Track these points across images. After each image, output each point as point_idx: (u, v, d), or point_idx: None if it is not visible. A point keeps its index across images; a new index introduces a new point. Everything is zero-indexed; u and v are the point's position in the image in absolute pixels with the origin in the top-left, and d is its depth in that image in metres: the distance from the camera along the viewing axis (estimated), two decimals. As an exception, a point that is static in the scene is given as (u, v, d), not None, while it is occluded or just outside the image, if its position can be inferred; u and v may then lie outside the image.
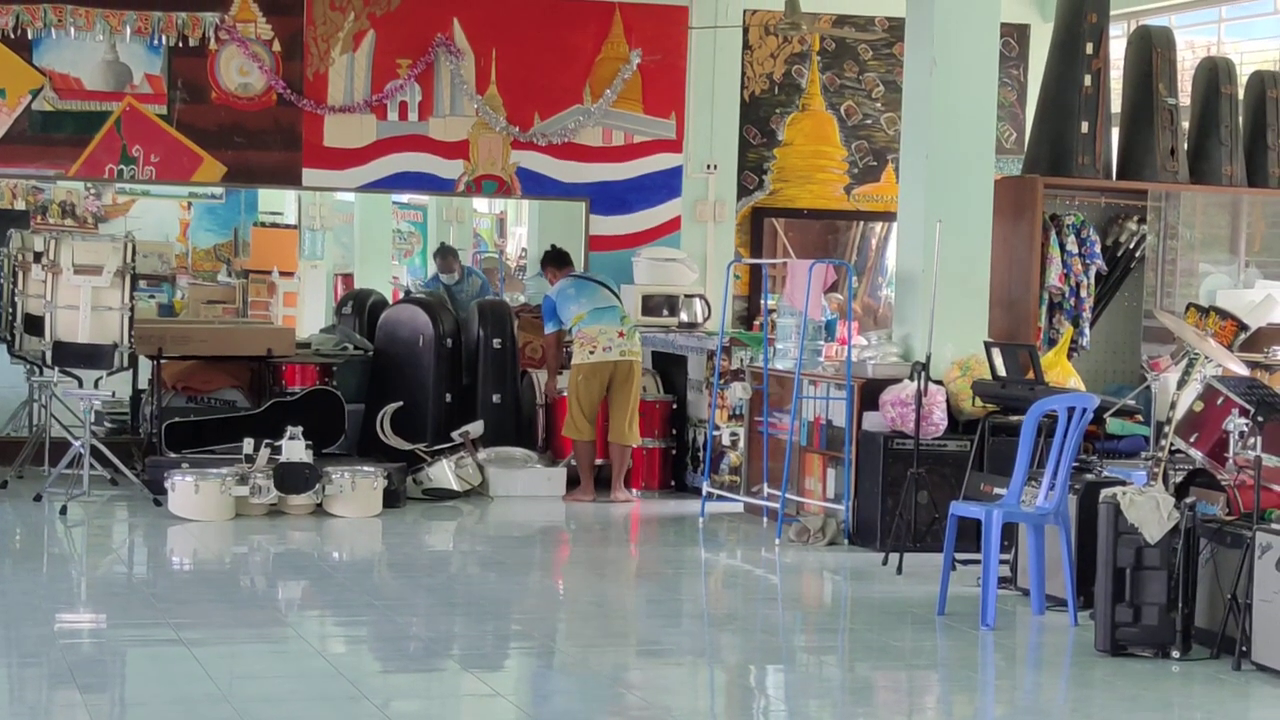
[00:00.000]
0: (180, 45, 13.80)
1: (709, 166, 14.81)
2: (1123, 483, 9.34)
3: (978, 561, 9.81)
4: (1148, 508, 8.18)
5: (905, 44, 11.83)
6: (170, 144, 13.85)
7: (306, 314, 22.75)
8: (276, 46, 13.99)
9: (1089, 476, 9.40)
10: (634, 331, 12.93)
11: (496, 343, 13.75)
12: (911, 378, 11.06)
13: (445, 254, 17.47)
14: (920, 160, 11.47)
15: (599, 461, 13.17)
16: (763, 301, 12.76)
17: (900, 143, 11.99)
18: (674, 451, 13.57)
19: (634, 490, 13.28)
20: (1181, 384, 9.03)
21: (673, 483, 13.54)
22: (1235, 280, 12.43)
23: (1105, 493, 8.35)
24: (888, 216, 15.47)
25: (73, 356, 12.00)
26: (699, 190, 14.80)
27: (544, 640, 8.77)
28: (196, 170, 13.95)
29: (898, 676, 8.27)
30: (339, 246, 23.62)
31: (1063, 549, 9.00)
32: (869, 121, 15.22)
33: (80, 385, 12.40)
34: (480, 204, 21.27)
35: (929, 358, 10.59)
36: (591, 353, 12.75)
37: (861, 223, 15.71)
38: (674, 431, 13.55)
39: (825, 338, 12.55)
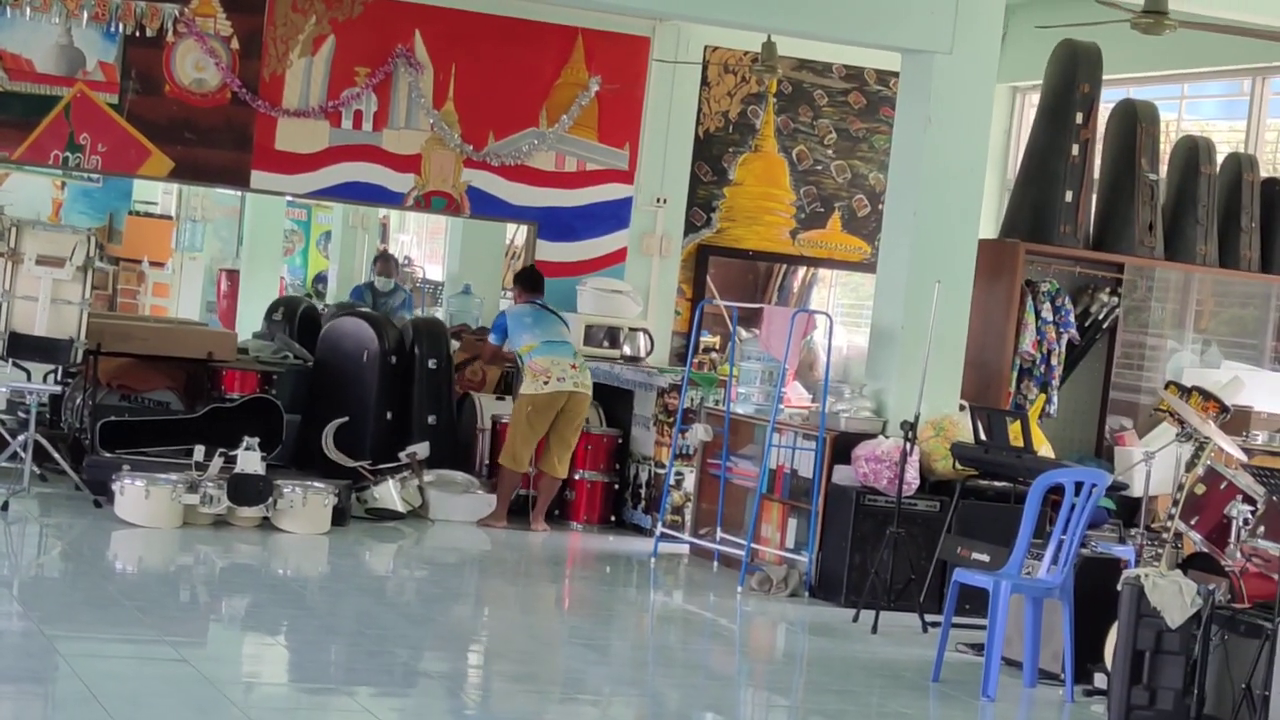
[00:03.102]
0: (137, 35, 13.42)
1: (659, 200, 14.70)
2: (1115, 560, 9.38)
3: (950, 625, 9.77)
4: (1170, 592, 8.18)
5: (899, 99, 11.81)
6: (119, 135, 13.48)
7: (181, 306, 22.41)
8: (235, 44, 13.67)
9: (1084, 551, 9.38)
10: (585, 367, 12.79)
11: (432, 363, 13.47)
12: (886, 434, 11.06)
13: (385, 259, 17.26)
14: (908, 217, 11.43)
15: (521, 491, 13.01)
16: (731, 344, 12.64)
17: (886, 197, 11.94)
18: (616, 486, 13.41)
19: (576, 524, 13.19)
20: (1190, 466, 9.04)
21: (613, 518, 13.39)
22: (1198, 359, 12.53)
23: (1128, 574, 8.35)
24: (832, 264, 15.49)
25: (28, 349, 11.61)
26: (647, 223, 14.69)
27: (531, 672, 8.62)
28: (144, 163, 13.60)
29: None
30: (218, 240, 23.26)
31: (1065, 624, 8.97)
32: (819, 167, 15.19)
33: (29, 378, 12.01)
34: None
35: (918, 417, 10.53)
36: (545, 383, 12.56)
37: (785, 266, 15.70)
38: (617, 466, 13.40)
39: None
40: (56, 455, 11.76)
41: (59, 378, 13.54)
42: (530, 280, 13.20)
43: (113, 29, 13.39)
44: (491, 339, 13.04)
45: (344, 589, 10.40)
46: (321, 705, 7.74)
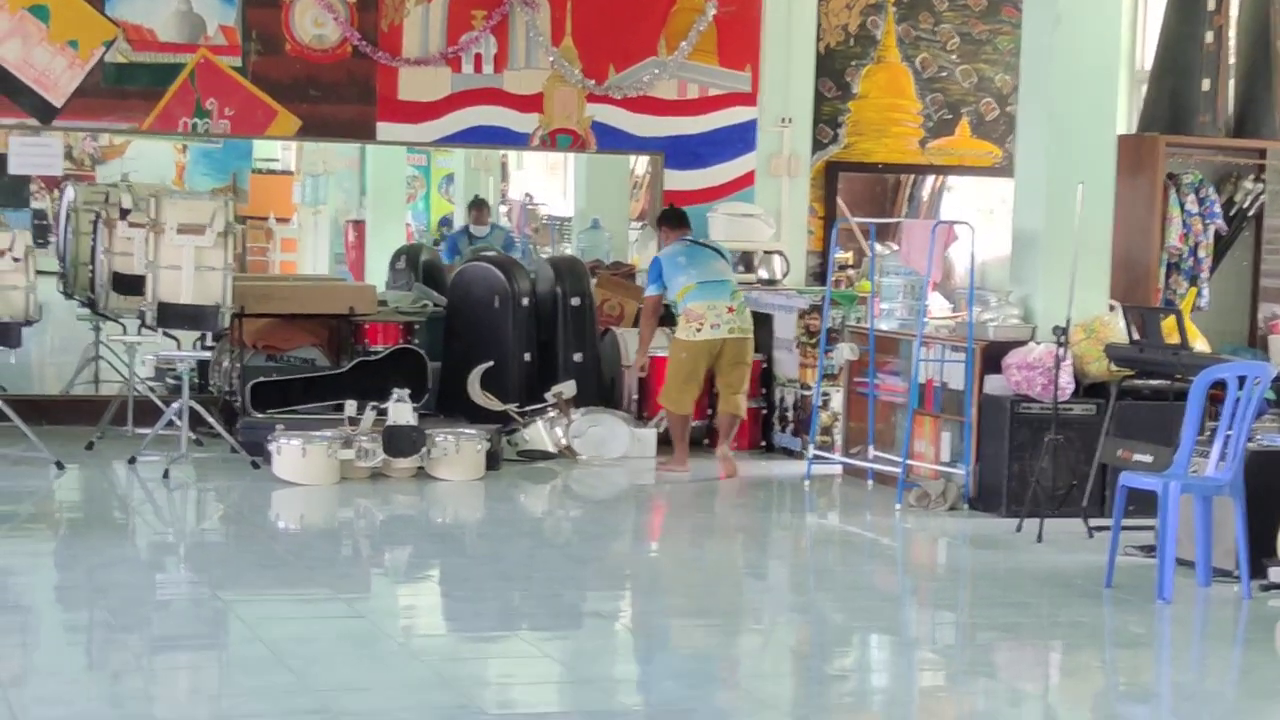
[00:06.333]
0: (255, -4, 13.52)
1: (784, 120, 14.58)
2: (1285, 452, 9.25)
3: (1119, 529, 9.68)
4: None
5: (1025, 1, 11.62)
6: (245, 97, 13.54)
7: (310, 260, 22.58)
8: (351, -2, 13.71)
9: (1249, 445, 9.24)
10: (744, 306, 12.30)
11: (575, 301, 13.47)
12: (1037, 340, 10.96)
13: (480, 206, 17.33)
14: (1043, 119, 11.25)
15: (695, 423, 12.73)
16: (870, 261, 12.51)
17: (1019, 101, 11.78)
18: (764, 411, 13.37)
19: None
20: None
21: (763, 443, 13.36)
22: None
23: (1301, 466, 8.22)
24: (962, 170, 15.34)
25: (177, 317, 11.70)
26: (773, 144, 14.57)
27: (700, 605, 8.62)
28: (271, 124, 13.66)
29: (1115, 653, 8.17)
30: (341, 192, 23.38)
31: (1237, 521, 8.86)
32: (944, 74, 15.02)
33: (179, 346, 12.13)
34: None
35: (1069, 321, 10.41)
36: (698, 330, 12.06)
37: (914, 176, 15.55)
38: (763, 391, 13.35)
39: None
40: (211, 420, 11.87)
41: (205, 342, 13.69)
42: (675, 218, 12.66)
43: (230, -8, 13.46)
44: (650, 291, 12.39)
45: (504, 533, 10.44)
46: (500, 651, 7.76)
